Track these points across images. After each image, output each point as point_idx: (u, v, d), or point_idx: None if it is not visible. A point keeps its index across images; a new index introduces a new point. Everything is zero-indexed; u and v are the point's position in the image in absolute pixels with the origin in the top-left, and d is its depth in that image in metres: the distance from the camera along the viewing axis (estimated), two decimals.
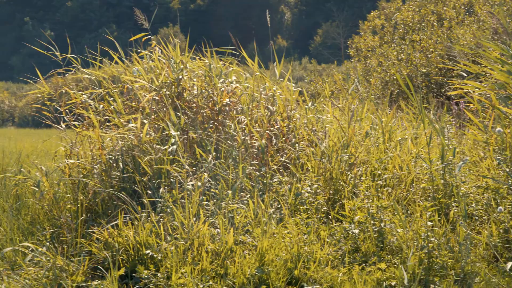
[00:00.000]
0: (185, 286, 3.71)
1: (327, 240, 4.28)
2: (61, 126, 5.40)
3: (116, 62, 5.91)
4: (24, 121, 40.87)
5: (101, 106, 5.44)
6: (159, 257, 3.97)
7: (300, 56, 52.12)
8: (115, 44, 6.03)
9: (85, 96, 5.38)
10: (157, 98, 5.25)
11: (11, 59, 74.29)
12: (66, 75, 5.81)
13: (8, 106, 42.71)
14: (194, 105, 5.47)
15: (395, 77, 11.39)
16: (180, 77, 5.58)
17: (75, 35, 69.25)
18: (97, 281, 3.80)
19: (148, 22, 6.43)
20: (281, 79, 6.09)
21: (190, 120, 5.24)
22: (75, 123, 5.49)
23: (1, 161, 8.96)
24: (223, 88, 5.61)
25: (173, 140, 4.77)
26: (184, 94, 5.54)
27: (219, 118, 5.43)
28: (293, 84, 5.92)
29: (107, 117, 5.40)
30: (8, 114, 42.60)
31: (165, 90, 5.47)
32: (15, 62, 73.74)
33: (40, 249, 4.33)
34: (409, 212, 4.65)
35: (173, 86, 5.52)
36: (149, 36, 6.10)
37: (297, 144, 5.48)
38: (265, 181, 4.99)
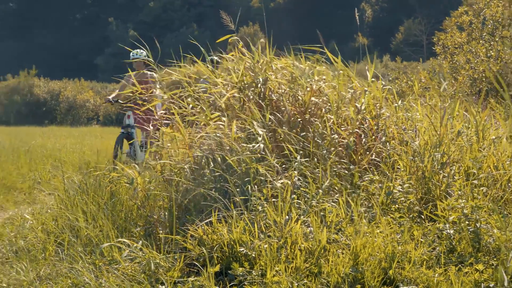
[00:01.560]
0: (280, 284, 3.72)
1: (421, 240, 4.23)
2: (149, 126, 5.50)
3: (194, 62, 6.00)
4: (108, 120, 41.83)
5: (190, 106, 5.51)
6: (253, 255, 4.00)
7: (381, 54, 51.58)
8: (197, 43, 6.12)
9: (165, 97, 5.47)
10: (237, 95, 5.28)
11: (96, 59, 76.19)
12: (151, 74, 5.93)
13: (93, 105, 43.69)
14: (280, 104, 5.49)
15: (484, 74, 11.15)
16: (265, 76, 5.61)
17: (157, 35, 70.37)
18: (193, 277, 3.85)
19: (233, 23, 6.49)
20: (372, 79, 6.03)
21: (276, 119, 5.26)
22: (164, 122, 5.58)
23: (95, 159, 9.23)
24: (309, 87, 5.61)
25: (259, 139, 4.80)
26: (269, 93, 5.56)
27: (306, 117, 5.43)
28: (383, 83, 5.87)
29: (193, 116, 5.47)
30: (93, 112, 43.60)
31: (252, 89, 5.50)
32: (99, 62, 75.59)
33: (135, 244, 4.43)
34: (505, 212, 4.54)
35: (258, 85, 5.55)
36: (236, 38, 6.15)
37: (387, 143, 5.43)
38: (354, 180, 4.96)
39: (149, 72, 10.38)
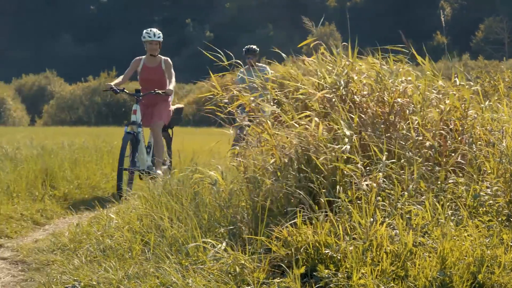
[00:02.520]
0: (366, 287, 3.70)
1: (511, 244, 4.13)
2: (230, 126, 5.54)
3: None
4: (186, 121, 42.35)
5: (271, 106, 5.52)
6: (338, 257, 3.99)
7: (460, 53, 50.62)
8: (279, 50, 6.14)
9: (252, 98, 5.49)
10: (328, 96, 5.26)
11: (173, 60, 77.13)
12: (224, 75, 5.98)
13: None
14: (364, 105, 5.45)
15: None
16: (348, 78, 5.58)
17: (233, 36, 70.85)
18: (279, 279, 3.87)
19: (314, 27, 6.48)
20: (456, 79, 5.92)
21: (361, 120, 5.23)
22: (247, 123, 5.61)
23: (176, 160, 9.36)
24: (394, 88, 5.55)
25: (346, 140, 4.77)
26: (353, 94, 5.53)
27: (391, 118, 5.38)
28: (471, 83, 5.75)
29: (277, 118, 5.48)
30: None
31: (334, 90, 5.48)
32: (176, 63, 76.54)
33: (220, 245, 4.48)
34: None
35: (341, 87, 5.52)
36: (318, 41, 6.13)
37: (473, 145, 5.32)
38: (440, 182, 4.88)
39: (168, 59, 9.65)
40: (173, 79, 9.59)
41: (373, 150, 4.84)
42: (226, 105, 5.72)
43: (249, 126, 5.58)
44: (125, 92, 9.44)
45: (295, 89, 5.58)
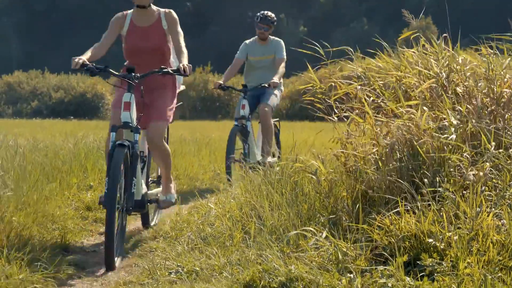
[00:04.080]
0: (472, 276, 3.63)
1: None
2: (332, 118, 5.52)
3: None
4: (279, 115, 42.47)
5: (370, 97, 5.48)
6: (442, 246, 3.93)
7: None
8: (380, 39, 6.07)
9: (358, 87, 5.45)
10: (434, 85, 5.18)
11: None
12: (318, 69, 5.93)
13: None
14: (469, 95, 5.33)
15: None
16: (450, 69, 5.48)
17: (326, 31, 70.53)
18: (382, 267, 3.84)
19: (415, 20, 6.38)
20: None
21: (467, 110, 5.12)
22: (346, 114, 5.57)
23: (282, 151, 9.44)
24: (502, 78, 5.41)
25: (452, 129, 4.69)
26: (456, 85, 5.42)
27: (498, 109, 5.24)
28: None
29: (377, 108, 5.43)
30: None
31: (437, 80, 5.39)
32: None
33: (321, 233, 4.48)
34: None
35: (443, 78, 5.42)
36: (417, 34, 6.04)
37: None
38: None
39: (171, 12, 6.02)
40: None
41: (484, 139, 4.70)
42: (325, 97, 5.70)
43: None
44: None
45: (397, 79, 5.51)
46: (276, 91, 9.13)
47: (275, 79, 8.83)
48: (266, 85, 8.78)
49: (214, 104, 42.70)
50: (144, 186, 5.83)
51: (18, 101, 39.31)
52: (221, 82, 9.18)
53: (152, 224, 6.39)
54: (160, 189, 6.27)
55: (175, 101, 6.08)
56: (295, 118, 37.23)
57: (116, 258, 4.92)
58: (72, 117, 32.42)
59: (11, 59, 59.72)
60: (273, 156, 9.25)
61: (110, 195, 4.84)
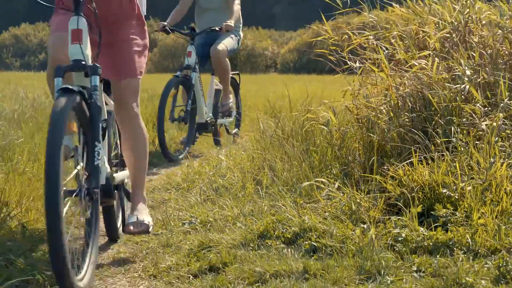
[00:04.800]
0: (486, 226, 3.64)
1: None
2: (347, 68, 5.49)
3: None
4: (286, 67, 42.35)
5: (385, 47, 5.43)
6: (456, 197, 3.94)
7: None
8: None
9: (372, 37, 5.40)
10: (448, 35, 5.13)
11: (274, 8, 77.05)
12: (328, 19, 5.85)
13: (271, 53, 44.33)
14: (484, 45, 5.28)
15: None
16: (468, 17, 5.41)
17: None
18: (396, 217, 3.85)
19: None
20: None
21: (482, 59, 5.08)
22: (357, 65, 5.54)
23: (280, 104, 9.40)
24: None
25: (466, 79, 4.65)
26: (471, 35, 5.36)
27: None
28: None
29: (390, 59, 5.39)
30: (271, 60, 44.26)
31: (452, 29, 5.33)
32: (277, 11, 76.42)
33: (333, 184, 4.50)
34: None
35: (459, 27, 5.36)
36: None
37: None
38: None
39: None
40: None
41: (500, 90, 4.67)
42: (337, 49, 5.64)
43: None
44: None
45: (416, 27, 5.45)
46: (232, 35, 8.03)
47: (229, 22, 7.69)
48: (217, 29, 7.62)
49: None
50: (106, 164, 3.75)
51: (25, 54, 39.23)
52: (165, 23, 7.75)
53: (120, 231, 4.25)
54: (126, 172, 4.13)
55: (147, 41, 4.13)
56: (303, 71, 37.14)
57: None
58: None
59: (17, 12, 59.37)
60: (229, 115, 8.41)
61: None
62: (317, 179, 4.59)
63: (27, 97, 8.95)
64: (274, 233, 3.88)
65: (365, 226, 3.82)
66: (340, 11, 5.58)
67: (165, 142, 7.28)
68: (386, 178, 4.27)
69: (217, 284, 3.28)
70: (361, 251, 3.49)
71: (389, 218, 3.88)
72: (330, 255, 3.56)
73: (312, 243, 3.68)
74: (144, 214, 3.94)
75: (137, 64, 3.97)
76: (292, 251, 3.66)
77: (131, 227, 3.84)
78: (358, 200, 4.12)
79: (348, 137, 5.16)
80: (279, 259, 3.51)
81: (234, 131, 8.73)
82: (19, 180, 4.73)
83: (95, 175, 3.29)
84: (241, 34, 8.30)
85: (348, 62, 5.50)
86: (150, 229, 3.87)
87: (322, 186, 4.49)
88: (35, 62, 37.92)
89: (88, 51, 3.42)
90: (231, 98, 8.39)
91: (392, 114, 4.88)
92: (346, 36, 5.48)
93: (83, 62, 3.36)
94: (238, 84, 8.80)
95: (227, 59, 7.88)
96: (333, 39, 5.57)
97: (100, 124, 3.39)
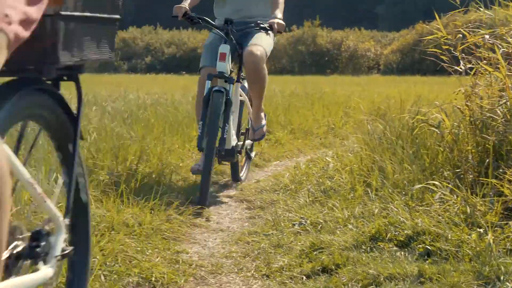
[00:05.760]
0: None
1: None
2: (459, 68, 5.35)
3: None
4: (389, 69, 41.81)
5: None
6: None
7: None
8: None
9: (487, 36, 5.25)
10: None
11: (376, 8, 76.25)
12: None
13: (374, 54, 43.91)
14: None
15: None
16: None
17: None
18: None
19: None
20: None
21: None
22: (469, 65, 5.40)
23: (385, 105, 9.30)
24: None
25: None
26: None
27: None
28: None
29: (507, 58, 5.22)
30: (373, 61, 43.86)
31: None
32: (380, 11, 75.59)
33: (446, 187, 4.41)
34: None
35: None
36: None
37: None
38: None
39: None
40: None
41: None
42: (450, 48, 5.51)
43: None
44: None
45: None
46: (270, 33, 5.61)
47: (278, 15, 5.54)
48: (266, 26, 5.47)
49: (323, 58, 42.45)
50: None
51: (132, 57, 40.42)
52: (185, 6, 5.51)
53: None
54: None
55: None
56: (406, 72, 36.61)
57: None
58: (184, 72, 33.05)
59: (126, 15, 61.21)
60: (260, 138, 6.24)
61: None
62: (428, 182, 4.52)
63: (138, 97, 9.20)
64: (386, 236, 3.84)
65: (481, 230, 3.72)
66: (456, 10, 5.45)
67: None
68: (503, 182, 4.14)
69: (330, 285, 3.28)
70: (478, 256, 3.41)
71: (507, 223, 3.77)
72: (446, 259, 3.49)
73: (426, 246, 3.63)
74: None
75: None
76: (406, 254, 3.61)
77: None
78: (473, 204, 4.02)
79: (460, 139, 5.05)
80: (392, 262, 3.47)
81: (253, 154, 6.62)
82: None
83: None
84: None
85: (461, 61, 5.37)
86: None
87: (434, 189, 4.41)
88: (141, 65, 39.03)
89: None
90: (264, 120, 6.09)
91: (509, 116, 4.73)
92: (460, 35, 5.34)
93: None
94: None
95: (265, 66, 5.63)
96: (445, 37, 5.44)
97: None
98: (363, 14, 74.35)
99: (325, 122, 10.62)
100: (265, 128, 6.14)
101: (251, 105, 6.07)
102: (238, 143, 5.89)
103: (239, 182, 6.10)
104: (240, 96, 5.95)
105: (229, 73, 5.44)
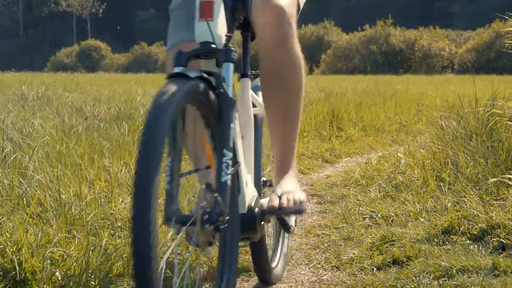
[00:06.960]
0: None
1: None
2: None
3: None
4: (463, 68, 41.10)
5: None
6: None
7: None
8: None
9: None
10: None
11: (451, 7, 74.95)
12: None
13: (448, 53, 43.25)
14: None
15: None
16: None
17: None
18: None
19: None
20: None
21: None
22: None
23: (458, 103, 9.12)
24: None
25: None
26: None
27: None
28: None
29: None
30: (447, 61, 43.22)
31: None
32: (454, 9, 74.28)
33: None
34: None
35: None
36: None
37: None
38: None
39: None
40: None
41: None
42: None
43: None
44: None
45: None
46: None
47: None
48: None
49: (396, 58, 42.06)
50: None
51: None
52: None
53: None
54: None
55: None
56: (481, 71, 35.92)
57: None
58: None
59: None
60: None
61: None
62: (504, 176, 4.41)
63: None
64: (459, 229, 3.76)
65: None
66: None
67: None
68: None
69: (401, 276, 3.23)
70: None
71: None
72: None
73: (501, 240, 3.54)
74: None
75: None
76: (479, 247, 3.53)
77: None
78: None
79: None
80: (465, 254, 3.40)
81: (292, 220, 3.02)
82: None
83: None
84: None
85: None
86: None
87: (510, 183, 4.31)
88: None
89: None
90: (301, 192, 2.85)
91: None
92: None
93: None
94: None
95: (297, 41, 2.71)
96: None
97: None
98: (438, 12, 73.21)
99: (397, 120, 10.51)
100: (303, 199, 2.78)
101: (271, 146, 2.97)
102: (260, 199, 2.75)
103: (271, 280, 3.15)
104: (254, 106, 3.02)
105: (223, 42, 2.34)
